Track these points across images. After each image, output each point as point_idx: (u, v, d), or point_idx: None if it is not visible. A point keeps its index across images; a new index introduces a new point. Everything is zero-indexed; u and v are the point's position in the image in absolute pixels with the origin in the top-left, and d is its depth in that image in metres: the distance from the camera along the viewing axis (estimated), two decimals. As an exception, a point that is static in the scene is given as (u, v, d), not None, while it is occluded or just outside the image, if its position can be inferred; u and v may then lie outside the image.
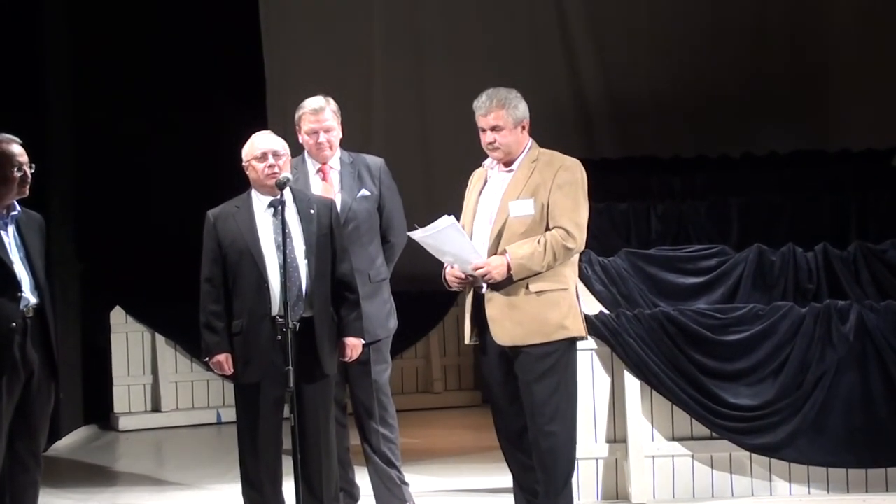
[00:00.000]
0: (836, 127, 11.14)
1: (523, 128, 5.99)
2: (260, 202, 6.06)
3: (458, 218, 5.93)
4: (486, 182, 6.07)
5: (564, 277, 5.93)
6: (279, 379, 5.82)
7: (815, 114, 11.26)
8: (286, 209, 5.97)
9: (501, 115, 5.94)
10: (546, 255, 5.82)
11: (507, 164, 6.01)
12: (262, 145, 6.07)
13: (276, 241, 5.92)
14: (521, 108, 5.98)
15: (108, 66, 9.93)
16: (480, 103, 5.98)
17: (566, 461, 5.94)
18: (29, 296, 5.80)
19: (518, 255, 5.82)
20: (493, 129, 5.95)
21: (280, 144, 6.10)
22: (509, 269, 5.82)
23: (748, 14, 11.41)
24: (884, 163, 10.36)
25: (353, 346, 6.14)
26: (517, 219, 5.89)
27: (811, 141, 10.83)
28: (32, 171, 5.86)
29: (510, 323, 5.87)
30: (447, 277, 6.01)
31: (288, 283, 5.86)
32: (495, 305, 5.90)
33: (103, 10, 9.92)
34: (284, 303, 5.82)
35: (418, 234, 5.90)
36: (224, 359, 5.99)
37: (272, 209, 5.99)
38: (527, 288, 5.85)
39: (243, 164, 6.11)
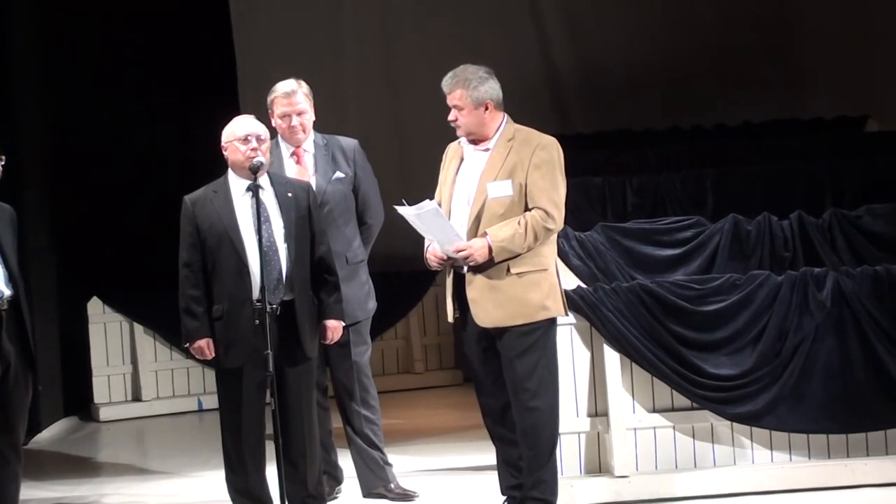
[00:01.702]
0: (808, 95, 11.15)
1: (486, 108, 5.93)
2: (237, 186, 6.04)
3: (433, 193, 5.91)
4: (462, 160, 6.05)
5: (544, 258, 5.93)
6: (261, 363, 5.82)
7: (787, 82, 11.26)
8: (264, 193, 5.96)
9: (461, 95, 5.90)
10: (527, 237, 5.82)
11: (481, 141, 5.99)
12: (245, 127, 6.04)
13: (255, 224, 5.90)
14: (484, 89, 5.91)
15: (79, 57, 9.86)
16: (445, 80, 5.96)
17: (550, 436, 5.97)
18: (3, 288, 5.78)
19: (499, 238, 5.81)
20: (455, 107, 5.93)
21: (262, 130, 6.08)
22: (490, 251, 5.82)
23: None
24: (856, 130, 10.38)
25: (334, 328, 6.14)
26: (496, 200, 5.88)
27: (784, 110, 10.83)
28: (3, 163, 5.83)
29: (491, 305, 5.88)
30: (427, 257, 6.01)
31: (268, 267, 5.85)
32: (476, 287, 5.90)
33: (73, 0, 9.86)
34: (262, 287, 5.81)
35: (403, 210, 5.89)
36: (205, 343, 5.98)
37: (250, 193, 5.98)
38: (508, 270, 5.86)
39: (223, 145, 6.06)
